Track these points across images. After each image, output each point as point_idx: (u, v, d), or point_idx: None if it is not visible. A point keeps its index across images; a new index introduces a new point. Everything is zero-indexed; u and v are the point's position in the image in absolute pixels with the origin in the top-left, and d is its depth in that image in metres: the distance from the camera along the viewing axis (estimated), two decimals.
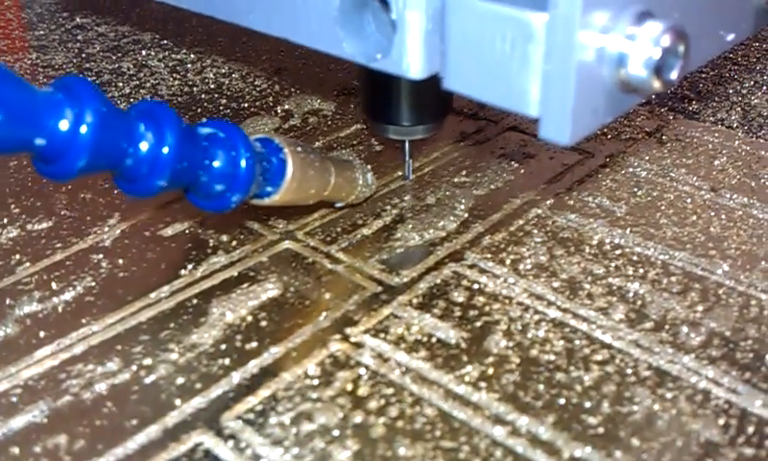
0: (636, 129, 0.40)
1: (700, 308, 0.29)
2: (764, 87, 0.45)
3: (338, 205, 0.34)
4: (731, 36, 0.27)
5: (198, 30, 0.54)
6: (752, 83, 0.45)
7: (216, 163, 0.27)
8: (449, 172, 0.37)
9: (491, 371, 0.27)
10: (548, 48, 0.21)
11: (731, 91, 0.45)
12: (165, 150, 0.25)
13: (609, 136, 0.40)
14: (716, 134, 0.40)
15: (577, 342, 0.28)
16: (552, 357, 0.27)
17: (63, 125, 0.23)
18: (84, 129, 0.23)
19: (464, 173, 0.37)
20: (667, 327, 0.28)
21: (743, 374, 0.26)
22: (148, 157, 0.25)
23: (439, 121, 0.36)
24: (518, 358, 0.27)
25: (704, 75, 0.46)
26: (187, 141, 0.26)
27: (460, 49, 0.23)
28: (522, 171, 0.37)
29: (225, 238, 0.33)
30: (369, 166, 0.35)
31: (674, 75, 0.22)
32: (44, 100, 0.23)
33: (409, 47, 0.23)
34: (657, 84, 0.21)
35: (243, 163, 0.28)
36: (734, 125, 0.41)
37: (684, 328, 0.28)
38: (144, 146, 0.25)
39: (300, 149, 0.31)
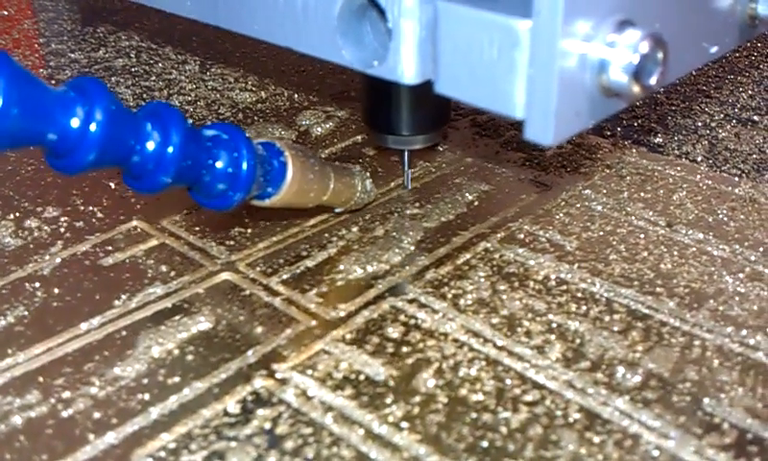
0: (597, 162, 0.40)
1: (640, 348, 0.28)
2: (733, 121, 0.44)
3: (337, 210, 0.35)
4: (714, 49, 0.28)
5: (170, 57, 0.53)
6: (721, 115, 0.45)
7: (219, 164, 0.28)
8: (402, 204, 0.37)
9: (416, 410, 0.26)
10: (532, 53, 0.22)
11: (699, 124, 0.44)
12: (170, 148, 0.27)
13: (568, 169, 0.39)
14: (678, 168, 0.39)
15: (508, 381, 0.27)
16: (481, 397, 0.26)
17: (75, 122, 0.24)
18: (93, 126, 0.25)
19: (416, 205, 0.37)
20: (604, 367, 0.27)
21: (677, 418, 0.25)
22: (154, 155, 0.27)
23: (437, 131, 0.37)
24: (446, 398, 0.26)
25: (673, 107, 0.46)
26: (192, 141, 0.27)
27: (451, 55, 0.24)
28: (476, 204, 0.37)
29: (164, 268, 0.32)
30: (368, 173, 0.35)
31: (653, 80, 0.23)
32: (57, 97, 0.24)
33: (404, 54, 0.24)
34: (636, 89, 0.22)
35: (245, 164, 0.29)
36: (699, 158, 0.40)
37: (621, 369, 0.27)
38: (151, 144, 0.26)
39: (300, 153, 0.32)
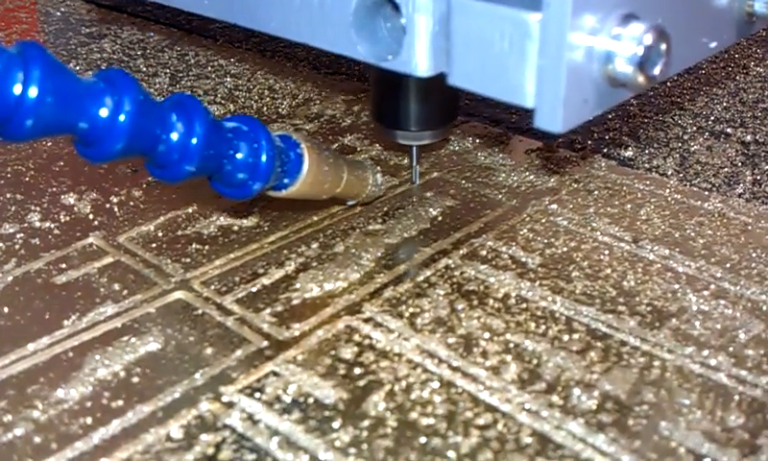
0: (566, 176, 0.39)
1: (597, 369, 0.27)
2: (706, 134, 0.43)
3: (349, 203, 0.36)
4: (713, 44, 0.29)
5: (141, 69, 0.53)
6: (694, 128, 0.44)
7: (240, 154, 0.29)
8: (364, 219, 0.36)
9: (364, 435, 0.25)
10: (542, 44, 0.23)
11: (671, 137, 0.43)
12: (195, 139, 0.28)
13: (536, 184, 0.38)
14: (647, 182, 0.38)
15: (461, 404, 0.26)
16: (432, 421, 0.25)
17: (104, 111, 0.25)
18: (122, 116, 0.26)
19: (379, 220, 0.36)
20: (560, 389, 0.27)
21: (632, 442, 0.25)
22: (179, 144, 0.27)
23: (445, 127, 0.37)
24: (396, 422, 0.25)
25: (646, 120, 0.45)
26: (214, 132, 0.28)
27: (463, 48, 0.25)
28: (440, 219, 0.36)
29: (116, 287, 0.32)
30: (378, 168, 0.36)
31: (657, 70, 0.24)
32: (88, 88, 0.25)
33: (417, 48, 0.25)
34: (641, 79, 0.23)
35: (264, 155, 0.30)
36: (669, 172, 0.39)
37: (577, 391, 0.26)
38: (176, 134, 0.27)
39: (315, 146, 0.33)
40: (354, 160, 0.36)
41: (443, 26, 0.25)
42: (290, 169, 0.31)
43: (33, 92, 0.23)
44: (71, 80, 0.25)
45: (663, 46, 0.24)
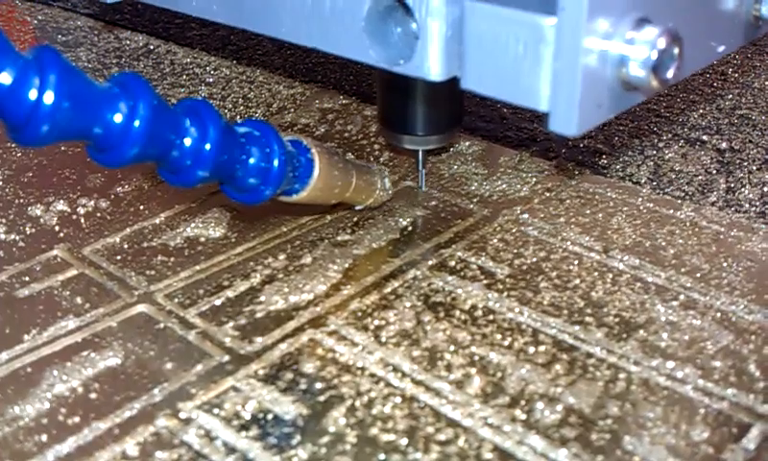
0: (538, 185, 0.39)
1: (562, 382, 0.27)
2: (681, 141, 0.43)
3: (357, 207, 0.36)
4: (721, 48, 0.29)
5: None
6: (670, 135, 0.44)
7: (252, 159, 0.29)
8: (333, 229, 0.36)
9: (323, 451, 0.25)
10: (557, 48, 0.23)
11: (646, 144, 0.43)
12: (208, 144, 0.28)
13: (508, 193, 0.38)
14: (620, 191, 0.38)
15: (423, 419, 0.26)
16: (392, 437, 0.25)
17: (119, 117, 0.25)
18: (137, 121, 0.25)
19: (348, 231, 0.35)
20: (523, 402, 0.26)
21: (595, 457, 0.24)
22: (192, 150, 0.27)
23: (452, 132, 0.38)
24: (356, 438, 0.25)
25: (621, 127, 0.45)
26: (227, 137, 0.28)
27: (477, 52, 0.25)
28: (410, 229, 0.36)
29: (79, 300, 0.31)
30: (387, 172, 0.36)
31: (670, 74, 0.24)
32: (103, 93, 0.25)
33: (430, 52, 0.25)
34: (655, 83, 0.24)
35: (276, 161, 0.30)
36: (643, 180, 0.39)
37: (541, 404, 0.26)
38: (189, 139, 0.27)
39: (325, 150, 0.33)
40: (363, 165, 0.36)
41: (456, 30, 0.25)
42: (301, 174, 0.32)
43: (49, 98, 0.23)
44: (87, 85, 0.25)
45: (676, 50, 0.24)
